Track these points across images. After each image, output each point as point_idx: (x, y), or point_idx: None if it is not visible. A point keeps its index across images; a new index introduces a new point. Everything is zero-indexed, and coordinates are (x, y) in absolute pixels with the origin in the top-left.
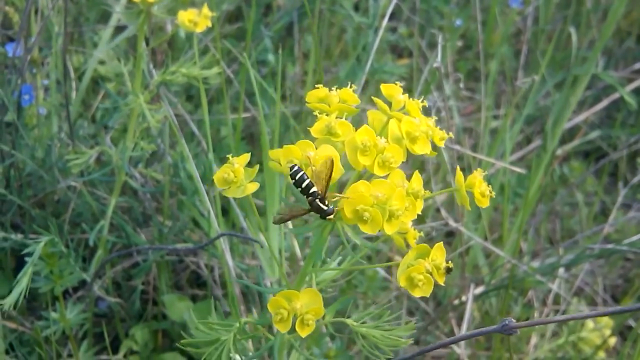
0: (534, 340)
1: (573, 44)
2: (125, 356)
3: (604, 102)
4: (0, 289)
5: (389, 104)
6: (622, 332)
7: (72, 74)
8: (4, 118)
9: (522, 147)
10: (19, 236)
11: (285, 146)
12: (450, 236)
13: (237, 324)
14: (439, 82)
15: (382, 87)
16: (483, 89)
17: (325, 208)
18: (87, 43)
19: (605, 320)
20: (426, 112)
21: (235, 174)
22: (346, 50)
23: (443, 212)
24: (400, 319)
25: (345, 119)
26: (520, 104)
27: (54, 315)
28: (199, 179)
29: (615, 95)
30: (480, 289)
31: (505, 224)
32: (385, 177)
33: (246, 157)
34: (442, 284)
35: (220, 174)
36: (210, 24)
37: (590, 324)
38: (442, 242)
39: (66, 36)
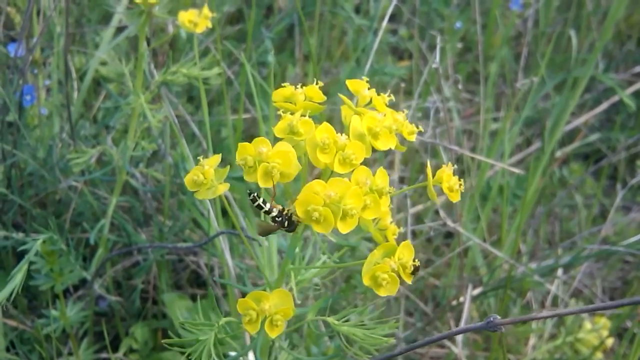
0: (532, 341)
1: (573, 47)
2: (125, 354)
3: (604, 105)
4: (1, 288)
5: (357, 100)
6: (620, 334)
7: (74, 75)
8: (5, 118)
9: (521, 149)
10: (20, 235)
11: (239, 144)
12: (449, 237)
13: (217, 324)
14: (438, 84)
15: (348, 82)
16: (482, 91)
17: (287, 226)
18: (88, 44)
19: (603, 321)
20: (425, 113)
21: (205, 176)
22: (347, 52)
23: (441, 213)
24: (382, 317)
25: (310, 116)
26: (520, 106)
27: (54, 313)
28: None
29: (615, 98)
30: (478, 290)
31: (504, 226)
32: (350, 173)
33: (216, 158)
34: (410, 284)
35: (190, 176)
36: (210, 25)
37: (587, 325)
38: (409, 241)
39: (68, 37)
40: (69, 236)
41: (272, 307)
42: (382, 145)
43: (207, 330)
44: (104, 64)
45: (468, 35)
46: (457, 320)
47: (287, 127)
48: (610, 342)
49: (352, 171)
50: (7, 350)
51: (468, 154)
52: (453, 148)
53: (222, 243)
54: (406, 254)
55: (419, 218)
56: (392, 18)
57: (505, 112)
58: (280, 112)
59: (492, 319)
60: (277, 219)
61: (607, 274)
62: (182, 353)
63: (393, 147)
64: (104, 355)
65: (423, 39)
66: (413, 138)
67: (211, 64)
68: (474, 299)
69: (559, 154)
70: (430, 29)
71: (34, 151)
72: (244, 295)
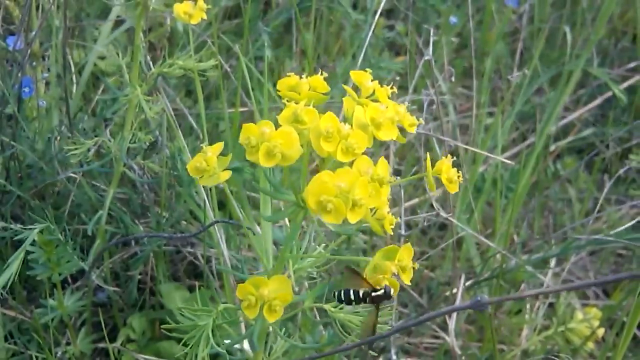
0: (525, 332)
1: (568, 43)
2: (122, 344)
3: (598, 100)
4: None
5: (359, 91)
6: (613, 325)
7: (73, 68)
8: (4, 110)
9: (517, 144)
10: (19, 226)
11: (244, 125)
12: (443, 229)
13: (216, 310)
14: (432, 77)
15: (352, 74)
16: (475, 84)
17: (381, 294)
18: (87, 38)
19: (594, 311)
20: (420, 107)
21: (208, 163)
22: (345, 47)
23: (435, 204)
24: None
25: (314, 106)
26: (514, 100)
27: (52, 302)
28: None
29: (609, 94)
30: (471, 281)
31: (498, 218)
32: (351, 163)
33: (219, 146)
34: (409, 284)
35: (193, 163)
36: (205, 16)
37: (579, 315)
38: (410, 244)
39: (65, 29)
40: (67, 227)
41: (270, 293)
42: (385, 135)
43: (205, 316)
44: (102, 58)
45: (465, 32)
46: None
47: (291, 116)
48: (601, 332)
49: (354, 160)
50: (6, 339)
51: (461, 145)
52: (446, 139)
53: (218, 233)
54: (406, 256)
55: (413, 211)
56: (390, 14)
57: (499, 105)
58: (284, 101)
59: (479, 298)
60: (376, 296)
61: (601, 267)
62: (180, 342)
63: (394, 138)
64: (101, 345)
65: (420, 35)
66: (414, 130)
67: (208, 56)
68: (467, 289)
69: (552, 147)
70: (426, 24)
71: (33, 143)
72: (242, 281)
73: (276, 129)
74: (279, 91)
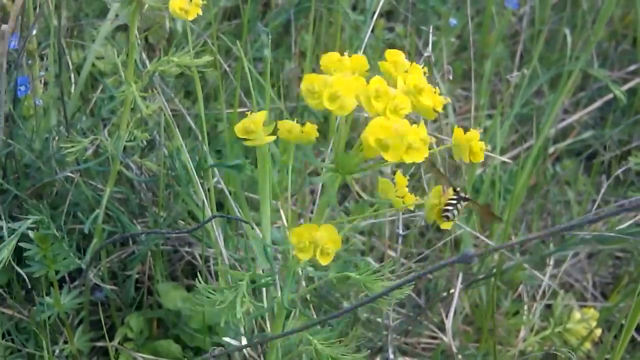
0: (522, 333)
1: (568, 45)
2: (120, 343)
3: (598, 103)
4: None
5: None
6: (611, 328)
7: (71, 68)
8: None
9: (516, 146)
10: (17, 226)
11: (305, 75)
12: (441, 230)
13: (254, 269)
14: (431, 76)
15: (387, 53)
16: (473, 86)
17: (460, 194)
18: (86, 38)
19: (592, 312)
20: None
21: (255, 125)
22: (344, 48)
23: None
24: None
25: None
26: (514, 101)
27: (48, 300)
28: (194, 169)
29: (609, 96)
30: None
31: None
32: None
33: (264, 113)
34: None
35: (241, 124)
36: (200, 12)
37: (576, 315)
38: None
39: (61, 27)
40: (64, 227)
41: (322, 237)
42: (426, 100)
43: (240, 277)
44: (101, 58)
45: (465, 34)
46: (448, 311)
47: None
48: (598, 332)
49: None
50: (3, 337)
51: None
52: (446, 138)
53: (216, 232)
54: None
55: (412, 212)
56: (389, 15)
57: (498, 104)
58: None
59: (467, 252)
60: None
61: (599, 269)
62: (177, 340)
63: (436, 106)
64: (99, 343)
65: (420, 36)
66: (440, 109)
67: (205, 53)
68: (465, 288)
69: (552, 150)
70: (426, 26)
71: (30, 142)
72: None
73: None
74: (322, 66)
